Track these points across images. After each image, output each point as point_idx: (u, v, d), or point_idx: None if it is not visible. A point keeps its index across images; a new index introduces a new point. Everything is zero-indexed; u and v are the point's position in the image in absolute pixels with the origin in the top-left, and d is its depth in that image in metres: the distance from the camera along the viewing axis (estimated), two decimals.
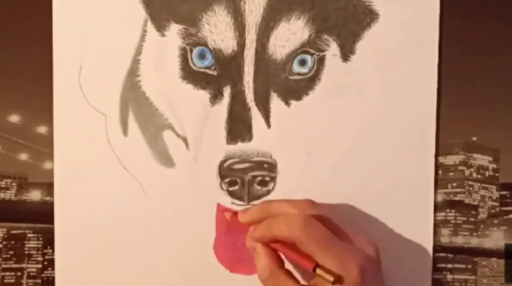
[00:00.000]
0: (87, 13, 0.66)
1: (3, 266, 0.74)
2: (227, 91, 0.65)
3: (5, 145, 0.72)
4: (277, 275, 0.58)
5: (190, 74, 0.65)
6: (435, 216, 0.67)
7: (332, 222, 0.59)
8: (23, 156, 0.73)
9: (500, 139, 0.72)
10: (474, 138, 0.72)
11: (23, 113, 0.72)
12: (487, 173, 0.74)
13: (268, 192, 0.65)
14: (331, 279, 0.53)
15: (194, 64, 0.65)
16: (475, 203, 0.73)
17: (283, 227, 0.58)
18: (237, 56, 0.64)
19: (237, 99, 0.65)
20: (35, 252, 0.74)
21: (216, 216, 0.66)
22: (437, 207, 0.67)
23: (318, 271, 0.54)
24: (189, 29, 0.65)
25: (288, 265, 0.60)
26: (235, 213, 0.64)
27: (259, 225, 0.60)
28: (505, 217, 0.73)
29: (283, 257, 0.60)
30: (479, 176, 0.74)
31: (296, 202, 0.61)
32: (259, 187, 0.64)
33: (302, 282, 0.58)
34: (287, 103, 0.65)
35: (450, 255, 0.70)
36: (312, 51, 0.65)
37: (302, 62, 0.65)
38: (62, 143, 0.67)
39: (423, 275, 0.66)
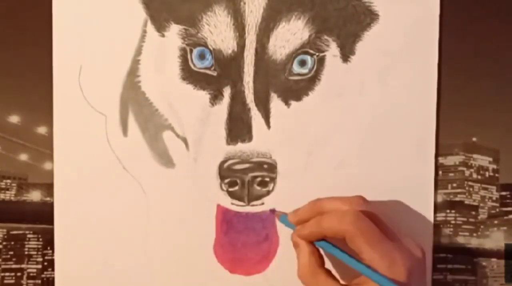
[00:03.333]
0: (87, 14, 0.66)
1: (3, 266, 0.74)
2: (227, 91, 0.65)
3: (5, 145, 0.72)
4: (317, 273, 0.59)
5: (190, 75, 0.65)
6: (435, 217, 0.67)
7: (382, 221, 0.59)
8: (23, 156, 0.73)
9: (500, 140, 0.72)
10: (474, 139, 0.72)
11: (23, 114, 0.72)
12: (487, 174, 0.74)
13: (268, 192, 0.65)
14: None
15: (194, 65, 0.65)
16: (475, 203, 0.73)
17: (334, 221, 0.58)
18: (237, 56, 0.64)
19: (237, 99, 0.65)
20: (35, 252, 0.74)
21: (216, 217, 0.66)
22: (437, 208, 0.67)
23: None
24: (189, 29, 0.65)
25: (328, 265, 0.60)
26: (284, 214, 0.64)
27: (308, 222, 0.60)
28: (505, 217, 0.73)
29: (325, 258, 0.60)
30: (479, 177, 0.74)
31: (348, 199, 0.60)
32: (259, 188, 0.64)
33: (342, 282, 0.58)
34: (287, 103, 0.65)
35: (450, 256, 0.70)
36: (312, 51, 0.65)
37: (302, 63, 0.65)
38: (62, 143, 0.67)
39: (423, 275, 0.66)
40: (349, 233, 0.56)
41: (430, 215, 0.66)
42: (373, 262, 0.55)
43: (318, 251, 0.60)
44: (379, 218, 0.59)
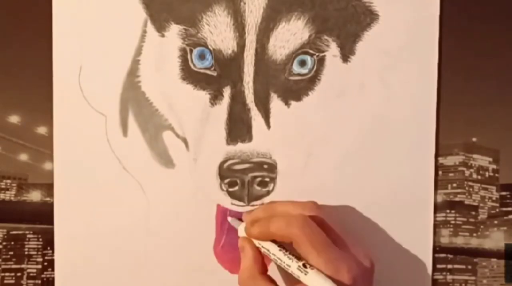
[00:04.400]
0: (87, 14, 0.66)
1: (3, 266, 0.74)
2: (227, 92, 0.65)
3: (5, 145, 0.72)
4: (256, 279, 0.59)
5: (190, 75, 0.65)
6: (435, 217, 0.67)
7: (332, 229, 0.59)
8: (23, 157, 0.73)
9: (500, 140, 0.72)
10: (474, 139, 0.72)
11: (23, 114, 0.72)
12: (487, 174, 0.74)
13: (268, 193, 0.65)
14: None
15: (194, 65, 0.65)
16: (475, 203, 0.73)
17: (282, 224, 0.58)
18: (237, 57, 0.64)
19: (237, 100, 0.65)
20: (35, 252, 0.74)
21: (216, 217, 0.66)
22: (437, 208, 0.67)
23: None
24: (189, 29, 0.65)
25: (271, 273, 0.60)
26: (239, 214, 0.64)
27: (258, 222, 0.61)
28: (505, 217, 0.73)
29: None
30: (479, 177, 0.74)
31: (300, 203, 0.61)
32: (259, 188, 0.64)
33: None
34: (287, 104, 0.65)
35: (450, 256, 0.70)
36: (312, 51, 0.65)
37: (302, 63, 0.65)
38: (62, 143, 0.67)
39: (423, 276, 0.66)
40: (296, 237, 0.56)
41: (430, 215, 0.66)
42: (319, 267, 0.55)
43: (263, 257, 0.60)
44: (328, 225, 0.59)
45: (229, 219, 0.65)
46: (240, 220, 0.64)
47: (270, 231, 0.59)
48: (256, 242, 0.61)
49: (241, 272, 0.60)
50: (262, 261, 0.60)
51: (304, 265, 0.56)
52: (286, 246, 0.59)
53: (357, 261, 0.57)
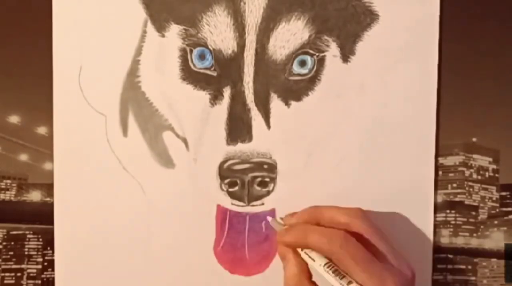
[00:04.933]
0: (87, 14, 0.66)
1: (3, 267, 0.74)
2: (227, 92, 0.65)
3: (5, 145, 0.72)
4: None
5: (190, 75, 0.65)
6: (435, 217, 0.67)
7: (371, 242, 0.58)
8: (23, 157, 0.73)
9: (500, 140, 0.72)
10: (474, 139, 0.72)
11: (23, 114, 0.72)
12: (487, 174, 0.74)
13: (268, 193, 0.65)
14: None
15: (194, 65, 0.65)
16: (475, 203, 0.73)
17: (322, 239, 0.57)
18: (237, 57, 0.64)
19: (237, 100, 0.65)
20: (35, 252, 0.74)
21: (216, 217, 0.66)
22: (437, 208, 0.67)
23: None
24: (189, 30, 0.65)
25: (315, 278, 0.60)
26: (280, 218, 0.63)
27: (291, 228, 0.60)
28: (505, 217, 0.73)
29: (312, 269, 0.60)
30: (479, 177, 0.74)
31: (347, 210, 0.60)
32: (259, 188, 0.64)
33: None
34: (287, 104, 0.65)
35: (450, 256, 0.70)
36: (312, 52, 0.65)
37: (302, 63, 0.65)
38: (62, 143, 0.67)
39: (423, 276, 0.66)
40: (337, 255, 0.56)
41: (430, 215, 0.66)
42: (364, 282, 0.55)
43: (306, 263, 0.60)
44: (366, 238, 0.59)
45: (269, 219, 0.64)
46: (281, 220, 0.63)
47: (307, 243, 0.58)
48: (301, 251, 0.60)
49: (288, 280, 0.59)
50: (307, 267, 0.59)
51: (349, 283, 0.55)
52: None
53: (400, 272, 0.57)
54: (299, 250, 0.60)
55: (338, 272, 0.57)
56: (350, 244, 0.56)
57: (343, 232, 0.57)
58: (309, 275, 0.59)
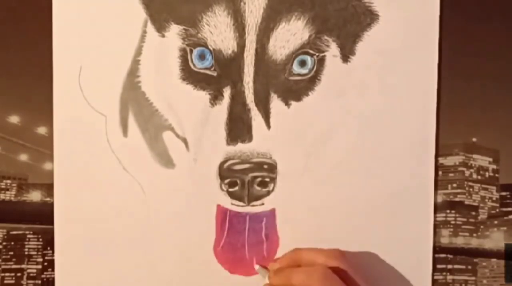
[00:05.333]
0: (87, 14, 0.66)
1: (3, 267, 0.74)
2: (227, 92, 0.65)
3: (5, 145, 0.73)
4: None
5: (190, 75, 0.65)
6: (435, 217, 0.67)
7: (353, 281, 0.60)
8: (23, 157, 0.74)
9: (500, 141, 0.72)
10: (474, 139, 0.73)
11: (23, 114, 0.72)
12: (487, 174, 0.74)
13: (268, 193, 0.65)
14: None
15: (194, 65, 0.65)
16: (475, 204, 0.74)
17: (303, 276, 0.59)
18: (237, 57, 0.64)
19: (237, 100, 0.65)
20: (35, 252, 0.75)
21: (216, 217, 0.66)
22: (437, 208, 0.67)
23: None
24: (189, 30, 0.65)
25: None
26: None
27: (280, 272, 0.62)
28: (505, 218, 0.74)
29: None
30: (479, 177, 0.74)
31: (325, 251, 0.61)
32: (259, 188, 0.64)
33: None
34: (287, 104, 0.65)
35: (450, 256, 0.70)
36: (312, 52, 0.65)
37: (302, 63, 0.65)
38: (62, 143, 0.67)
39: (423, 276, 0.66)
40: None
41: (430, 215, 0.66)
42: None
43: None
44: (349, 276, 0.60)
45: (256, 267, 0.65)
46: (267, 268, 0.64)
47: (291, 283, 0.60)
48: None
49: None
50: None
51: None
52: None
53: None
54: None
55: None
56: (329, 280, 0.58)
57: (323, 267, 0.59)
58: None
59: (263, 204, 0.65)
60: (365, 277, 0.61)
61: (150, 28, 0.66)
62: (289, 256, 0.63)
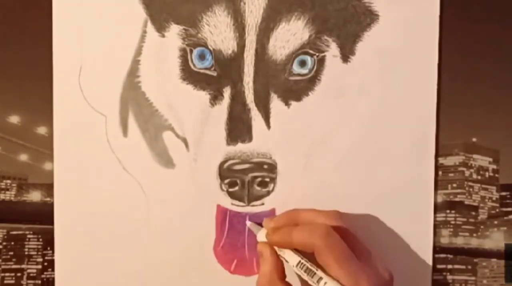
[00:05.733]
0: (87, 14, 0.66)
1: (3, 267, 0.74)
2: (227, 92, 0.65)
3: (5, 145, 0.73)
4: (275, 285, 0.59)
5: (190, 75, 0.65)
6: (435, 217, 0.67)
7: (354, 238, 0.59)
8: (23, 157, 0.73)
9: (500, 141, 0.72)
10: (474, 139, 0.72)
11: (23, 114, 0.72)
12: (487, 174, 0.74)
13: (268, 193, 0.65)
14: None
15: (194, 65, 0.65)
16: (475, 204, 0.74)
17: (304, 234, 0.58)
18: (237, 57, 0.64)
19: (237, 100, 0.65)
20: (35, 252, 0.75)
21: (216, 217, 0.66)
22: (437, 208, 0.67)
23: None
24: (189, 30, 0.65)
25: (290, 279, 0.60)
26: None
27: (280, 230, 0.61)
28: (505, 218, 0.74)
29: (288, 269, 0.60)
30: (479, 177, 0.74)
31: (323, 212, 0.61)
32: (259, 188, 0.64)
33: None
34: (287, 104, 0.65)
35: (450, 256, 0.71)
36: (312, 52, 0.65)
37: (302, 63, 0.65)
38: (62, 143, 0.67)
39: (423, 276, 0.66)
40: (318, 248, 0.57)
41: (430, 215, 0.66)
42: (339, 279, 0.55)
43: (282, 263, 0.60)
44: (351, 236, 0.59)
45: (248, 223, 0.65)
46: (260, 225, 0.64)
47: (292, 240, 0.59)
48: (276, 249, 0.61)
49: (260, 277, 0.60)
50: (281, 267, 0.60)
51: (319, 279, 0.56)
52: (307, 255, 0.59)
53: (377, 274, 0.57)
54: (276, 250, 0.61)
55: (309, 270, 0.58)
56: (331, 237, 0.57)
57: (325, 225, 0.58)
58: (282, 275, 0.60)
59: (263, 204, 0.65)
60: (365, 238, 0.60)
61: (150, 28, 0.66)
62: (286, 215, 0.63)
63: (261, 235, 0.62)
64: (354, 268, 0.56)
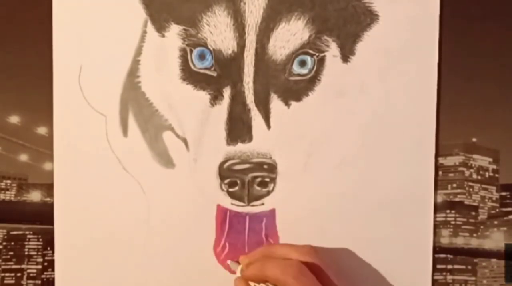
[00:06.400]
0: (87, 14, 0.66)
1: (3, 267, 0.74)
2: (227, 92, 0.65)
3: (5, 145, 0.73)
4: None
5: (190, 75, 0.65)
6: (435, 217, 0.67)
7: (327, 276, 0.60)
8: (23, 157, 0.74)
9: (500, 141, 0.72)
10: (474, 140, 0.72)
11: (23, 114, 0.72)
12: (487, 174, 0.74)
13: (268, 193, 0.65)
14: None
15: (194, 65, 0.65)
16: (475, 204, 0.74)
17: (277, 270, 0.59)
18: (237, 57, 0.64)
19: (237, 100, 0.65)
20: (35, 253, 0.75)
21: (216, 217, 0.66)
22: (437, 208, 0.67)
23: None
24: (189, 30, 0.65)
25: None
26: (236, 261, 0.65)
27: (253, 264, 0.62)
28: (505, 217, 0.73)
29: None
30: (479, 177, 0.74)
31: (297, 247, 0.62)
32: (259, 188, 0.64)
33: None
34: (287, 104, 0.65)
35: (450, 256, 0.70)
36: (312, 52, 0.65)
37: (302, 63, 0.65)
38: (62, 144, 0.67)
39: (423, 276, 0.66)
40: (291, 285, 0.57)
41: (430, 215, 0.66)
42: None
43: None
44: (323, 271, 0.60)
45: (229, 262, 0.65)
46: (238, 262, 0.64)
47: (264, 275, 0.60)
48: (252, 284, 0.61)
49: None
50: None
51: None
52: None
53: None
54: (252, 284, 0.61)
55: None
56: (303, 275, 0.58)
57: (297, 262, 0.59)
58: None
59: (263, 204, 0.65)
60: (338, 273, 0.61)
61: (150, 28, 0.66)
62: (261, 250, 0.63)
63: (239, 271, 0.64)
64: None
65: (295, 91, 0.65)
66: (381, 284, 0.63)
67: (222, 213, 0.66)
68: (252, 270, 0.61)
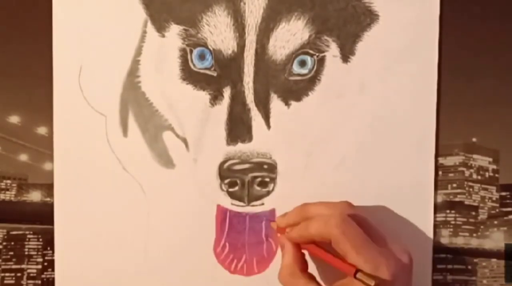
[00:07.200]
0: (87, 14, 0.66)
1: (3, 267, 0.74)
2: (227, 92, 0.65)
3: (5, 145, 0.72)
4: (298, 277, 0.59)
5: (190, 75, 0.65)
6: (435, 217, 0.67)
7: (369, 224, 0.60)
8: (23, 157, 0.73)
9: (500, 140, 0.72)
10: (474, 139, 0.72)
11: (23, 114, 0.72)
12: (487, 174, 0.74)
13: (268, 193, 0.65)
14: (372, 283, 0.54)
15: (194, 65, 0.65)
16: (475, 204, 0.73)
17: (320, 224, 0.58)
18: (237, 57, 0.64)
19: (237, 100, 0.65)
20: (35, 253, 0.74)
21: (216, 217, 0.66)
22: (437, 208, 0.67)
23: (359, 275, 0.55)
24: (189, 30, 0.65)
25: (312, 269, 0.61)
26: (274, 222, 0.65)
27: (297, 226, 0.61)
28: (505, 218, 0.73)
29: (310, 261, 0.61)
30: (479, 177, 0.74)
31: (334, 204, 0.61)
32: (259, 188, 0.64)
33: None
34: (287, 104, 0.65)
35: (450, 256, 0.70)
36: (312, 52, 0.65)
37: (302, 63, 0.65)
38: (62, 143, 0.67)
39: (423, 276, 0.66)
40: (335, 236, 0.57)
41: (430, 215, 0.66)
42: (358, 265, 0.55)
43: (303, 255, 0.61)
44: (367, 222, 0.60)
45: (271, 223, 0.65)
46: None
47: (309, 233, 0.59)
48: None
49: (282, 269, 0.61)
50: (302, 258, 0.61)
51: None
52: (325, 245, 0.59)
53: (396, 257, 0.57)
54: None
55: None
56: (347, 225, 0.57)
57: (340, 214, 0.58)
58: (305, 266, 0.61)
59: (263, 204, 0.65)
60: (379, 226, 0.60)
61: (150, 28, 0.66)
62: (297, 210, 0.63)
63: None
64: (373, 254, 0.56)
65: (295, 91, 0.65)
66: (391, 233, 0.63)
67: (222, 213, 0.66)
68: (297, 230, 0.61)
